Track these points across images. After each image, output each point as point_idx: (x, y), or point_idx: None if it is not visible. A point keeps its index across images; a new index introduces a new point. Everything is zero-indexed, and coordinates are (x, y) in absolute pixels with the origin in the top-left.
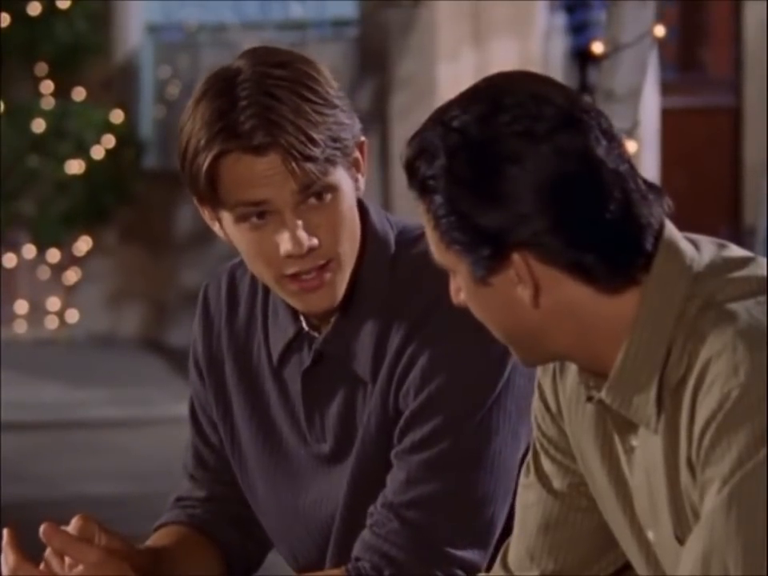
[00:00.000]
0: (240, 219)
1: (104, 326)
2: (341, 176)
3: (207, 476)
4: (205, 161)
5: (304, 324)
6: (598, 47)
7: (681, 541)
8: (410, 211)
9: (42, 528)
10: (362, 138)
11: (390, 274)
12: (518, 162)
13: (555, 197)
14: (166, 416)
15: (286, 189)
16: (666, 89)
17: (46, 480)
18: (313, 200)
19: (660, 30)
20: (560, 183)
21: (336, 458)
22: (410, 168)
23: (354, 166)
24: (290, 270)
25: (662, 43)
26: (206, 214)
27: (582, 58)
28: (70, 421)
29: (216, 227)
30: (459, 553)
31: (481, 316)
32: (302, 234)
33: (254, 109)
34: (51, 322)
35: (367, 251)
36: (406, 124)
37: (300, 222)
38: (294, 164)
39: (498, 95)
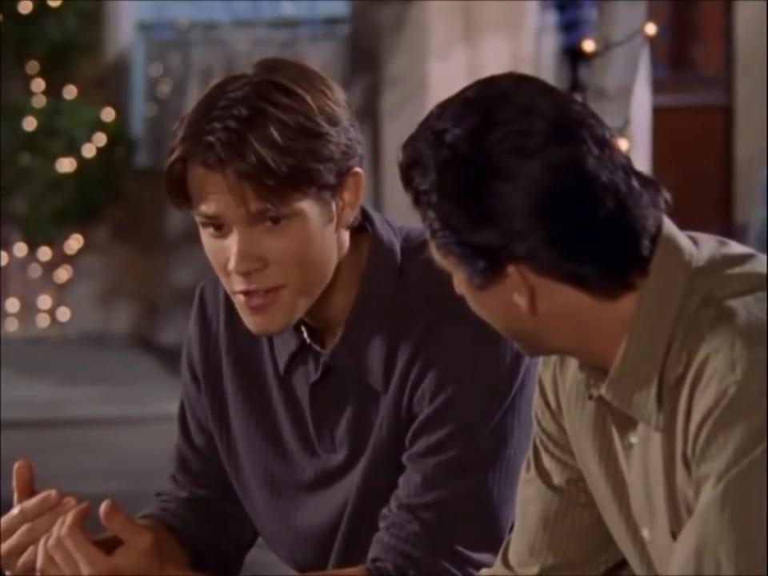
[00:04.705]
0: (202, 225)
1: (95, 324)
2: (307, 205)
3: (189, 479)
4: (171, 157)
5: (306, 336)
6: (589, 45)
7: (676, 538)
8: (401, 209)
9: (103, 505)
10: (356, 170)
11: (397, 282)
12: (509, 179)
13: (547, 212)
14: (158, 414)
15: (237, 209)
16: (657, 87)
17: (36, 478)
18: (268, 223)
19: (651, 28)
20: (551, 198)
21: (346, 468)
22: (405, 176)
23: (340, 196)
24: (237, 287)
25: (653, 41)
26: None
27: (573, 56)
28: (61, 419)
29: None
30: (475, 555)
31: (481, 315)
32: (246, 255)
33: (222, 123)
34: (42, 320)
35: (372, 263)
36: (397, 122)
37: (248, 242)
38: (243, 188)
39: (488, 109)
